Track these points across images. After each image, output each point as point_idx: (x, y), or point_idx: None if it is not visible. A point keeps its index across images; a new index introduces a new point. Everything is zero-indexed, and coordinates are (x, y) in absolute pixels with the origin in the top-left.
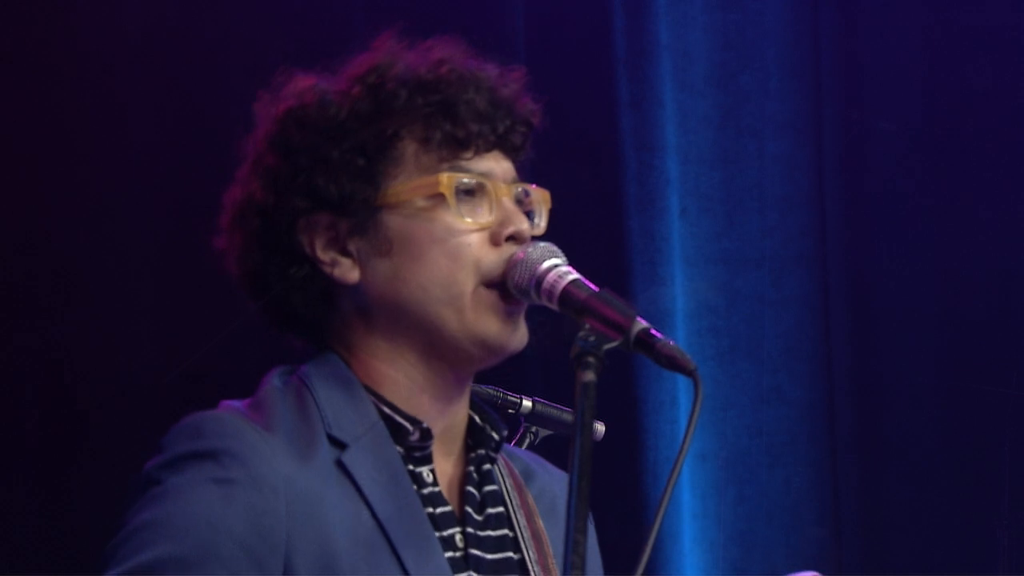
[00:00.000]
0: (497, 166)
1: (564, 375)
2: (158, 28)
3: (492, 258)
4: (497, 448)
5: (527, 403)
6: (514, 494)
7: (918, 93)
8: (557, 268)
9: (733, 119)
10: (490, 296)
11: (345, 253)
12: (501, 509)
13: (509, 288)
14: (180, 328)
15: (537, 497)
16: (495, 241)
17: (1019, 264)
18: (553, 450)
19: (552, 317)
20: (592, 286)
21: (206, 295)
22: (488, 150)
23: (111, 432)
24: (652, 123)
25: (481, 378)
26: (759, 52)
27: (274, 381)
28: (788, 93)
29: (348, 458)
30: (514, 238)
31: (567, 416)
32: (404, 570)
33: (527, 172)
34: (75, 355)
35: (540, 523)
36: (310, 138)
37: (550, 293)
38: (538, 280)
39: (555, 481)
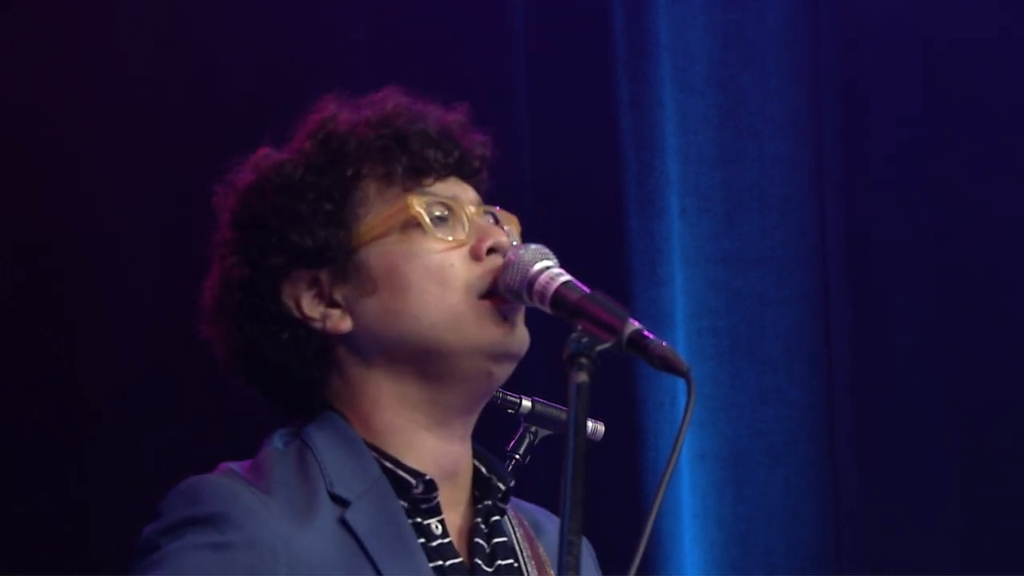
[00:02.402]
0: (460, 190)
1: (564, 375)
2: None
3: (478, 272)
4: (504, 498)
5: (527, 403)
6: (525, 545)
7: (919, 93)
8: (549, 270)
9: (733, 119)
10: (486, 305)
11: (333, 304)
12: (511, 561)
13: (501, 291)
14: (182, 327)
15: (547, 551)
16: (476, 256)
17: (1020, 264)
18: (553, 450)
19: (551, 318)
20: (584, 288)
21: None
22: (447, 175)
23: (112, 433)
24: (652, 123)
25: None
26: (759, 52)
27: (275, 442)
28: (788, 93)
29: (351, 516)
30: (495, 250)
31: (567, 416)
32: None
33: (494, 196)
34: (75, 355)
35: (552, 574)
36: (274, 200)
37: (542, 295)
38: (530, 282)
39: None
